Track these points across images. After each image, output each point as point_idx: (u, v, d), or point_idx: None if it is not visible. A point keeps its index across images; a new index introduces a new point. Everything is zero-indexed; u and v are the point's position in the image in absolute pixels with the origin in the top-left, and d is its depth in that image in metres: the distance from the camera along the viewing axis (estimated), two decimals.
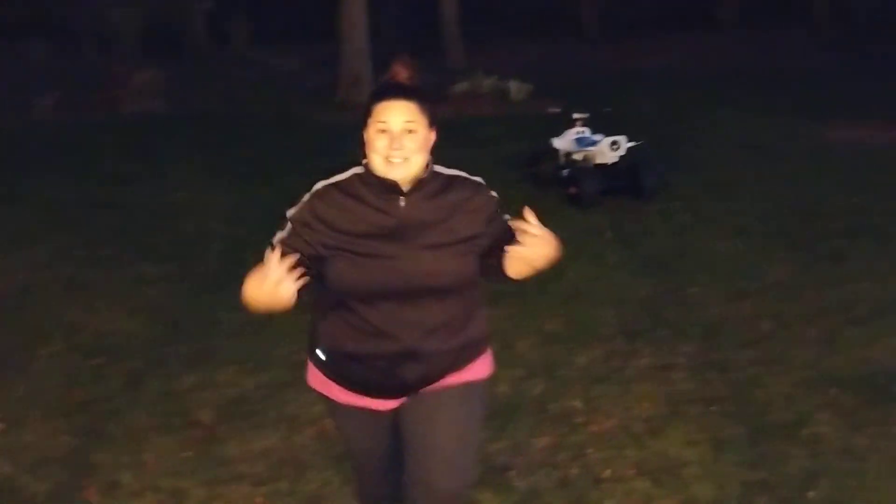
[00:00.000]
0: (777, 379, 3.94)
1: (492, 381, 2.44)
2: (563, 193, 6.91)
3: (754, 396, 3.79)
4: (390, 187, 2.16)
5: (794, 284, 5.12)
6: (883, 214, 6.35)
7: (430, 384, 2.28)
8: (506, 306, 4.86)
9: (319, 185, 2.24)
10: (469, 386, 2.32)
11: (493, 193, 2.29)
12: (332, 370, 2.32)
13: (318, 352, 2.35)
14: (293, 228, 2.22)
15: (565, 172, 7.13)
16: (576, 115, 7.35)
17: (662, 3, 21.52)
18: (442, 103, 11.87)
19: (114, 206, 7.21)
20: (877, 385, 3.84)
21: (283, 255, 2.08)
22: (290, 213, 2.25)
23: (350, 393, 2.31)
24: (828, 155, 8.37)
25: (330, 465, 3.35)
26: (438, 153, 7.90)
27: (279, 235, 2.25)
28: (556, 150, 7.36)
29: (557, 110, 8.05)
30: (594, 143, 7.10)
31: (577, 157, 7.18)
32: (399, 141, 2.12)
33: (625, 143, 7.00)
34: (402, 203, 2.17)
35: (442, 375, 2.28)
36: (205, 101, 12.58)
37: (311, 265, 2.17)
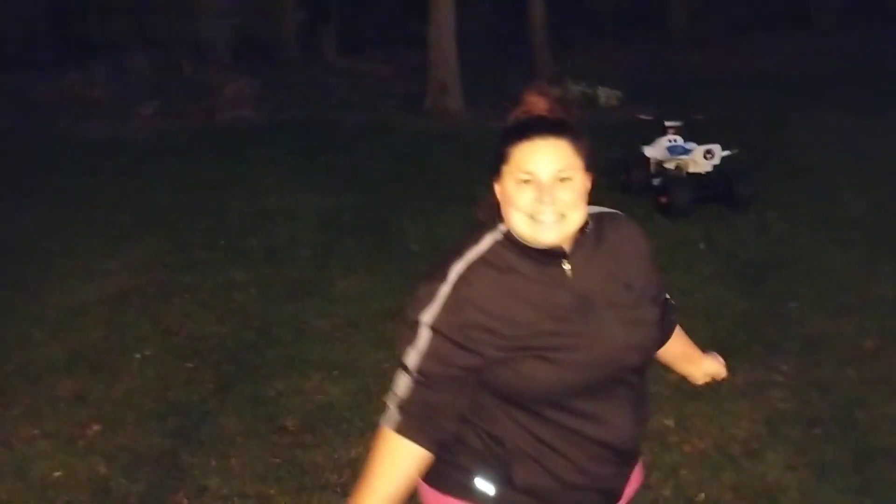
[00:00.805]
0: (882, 400, 3.74)
1: None
2: (655, 202, 6.75)
3: (858, 418, 3.60)
4: (551, 253, 1.64)
5: None
6: None
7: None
8: None
9: (458, 265, 1.64)
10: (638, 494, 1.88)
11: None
12: None
13: (479, 482, 1.71)
14: (440, 337, 1.60)
15: (657, 181, 6.97)
16: (668, 123, 7.17)
17: (754, 3, 20.89)
18: None
19: (207, 212, 7.39)
20: None
21: (434, 383, 1.60)
22: (427, 316, 1.61)
23: None
24: None
25: None
26: None
27: (415, 357, 1.62)
28: (647, 159, 7.20)
29: (649, 118, 7.87)
30: (687, 151, 6.92)
31: (669, 165, 7.01)
32: (550, 193, 1.59)
33: (719, 152, 6.80)
34: (568, 269, 1.65)
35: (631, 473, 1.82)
36: (295, 108, 12.81)
37: (469, 381, 1.63)
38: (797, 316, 4.69)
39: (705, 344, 4.35)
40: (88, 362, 4.51)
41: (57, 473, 3.45)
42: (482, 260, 1.64)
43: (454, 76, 12.32)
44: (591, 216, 1.71)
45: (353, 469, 3.40)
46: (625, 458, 1.73)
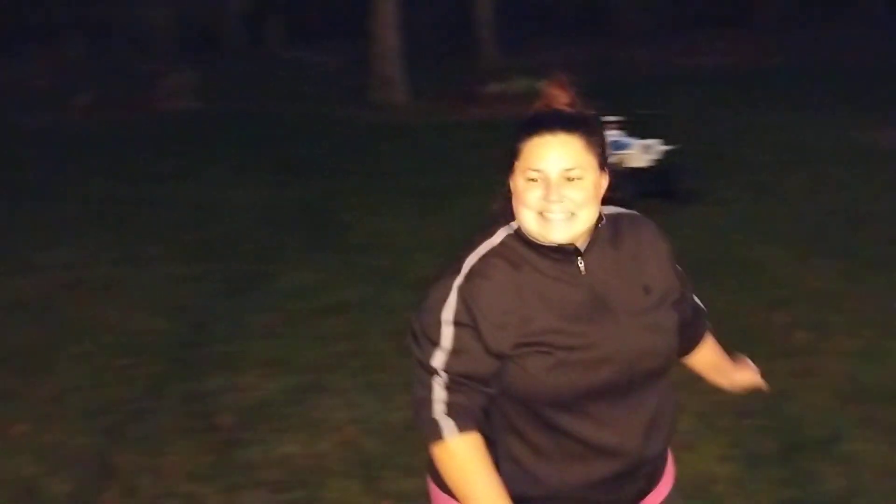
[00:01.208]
0: (812, 392, 3.82)
1: None
2: None
3: (789, 410, 3.67)
4: (564, 250, 1.60)
5: (834, 293, 4.97)
6: None
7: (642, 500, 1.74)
8: None
9: (471, 258, 1.60)
10: (678, 485, 1.84)
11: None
12: None
13: None
14: (464, 329, 1.54)
15: None
16: (609, 119, 7.23)
17: (699, 1, 21.23)
18: (475, 103, 11.83)
19: (147, 205, 7.25)
20: None
21: (466, 378, 1.54)
22: (447, 313, 1.56)
23: None
24: (874, 158, 8.15)
25: (352, 473, 3.30)
26: (473, 151, 7.80)
27: (442, 357, 1.56)
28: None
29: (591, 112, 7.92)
30: (627, 146, 6.99)
31: (611, 160, 7.06)
32: (558, 192, 1.54)
33: (658, 147, 6.88)
34: (583, 267, 1.61)
35: (654, 485, 1.74)
36: (239, 100, 12.64)
37: (494, 373, 1.57)
38: (731, 309, 4.76)
39: None
40: (20, 359, 4.39)
41: None
42: (495, 252, 1.60)
43: (398, 68, 12.29)
44: (608, 216, 1.67)
45: (288, 466, 3.37)
46: (634, 469, 1.65)
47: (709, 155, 8.16)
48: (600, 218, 1.63)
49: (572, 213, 1.56)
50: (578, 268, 1.61)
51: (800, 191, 7.08)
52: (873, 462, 3.27)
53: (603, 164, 1.61)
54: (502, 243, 1.62)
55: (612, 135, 7.16)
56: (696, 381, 3.65)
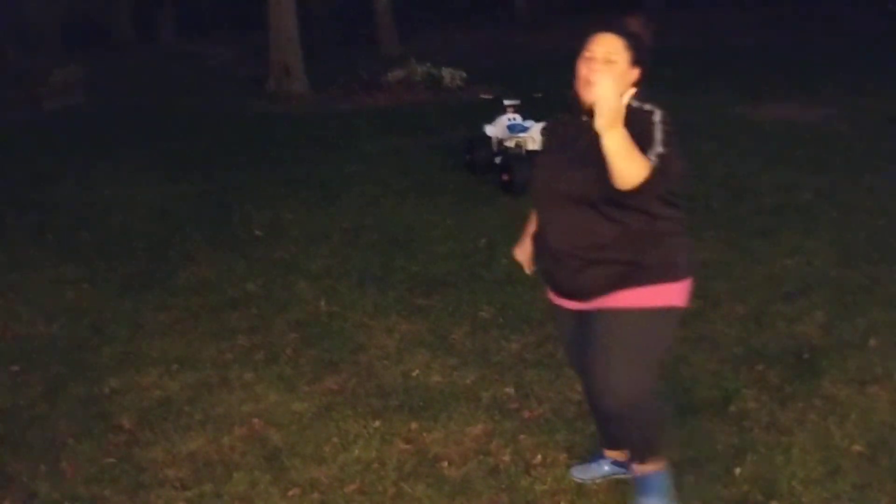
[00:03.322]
0: (705, 356, 3.98)
1: None
2: (498, 180, 6.89)
3: (682, 374, 3.82)
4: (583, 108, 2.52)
5: (722, 262, 5.17)
6: (810, 192, 6.47)
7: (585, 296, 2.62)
8: (438, 295, 4.83)
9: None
10: (617, 313, 2.55)
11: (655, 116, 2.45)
12: None
13: None
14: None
15: (498, 159, 7.11)
16: (507, 102, 7.32)
17: None
18: (376, 92, 11.79)
19: (34, 206, 6.97)
20: (802, 359, 3.91)
21: None
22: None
23: None
24: (756, 132, 8.51)
25: (259, 465, 3.27)
26: (375, 140, 7.75)
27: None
28: (489, 138, 7.33)
29: (490, 96, 8.01)
30: (525, 129, 7.09)
31: (510, 143, 7.16)
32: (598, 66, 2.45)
33: (537, 128, 6.99)
34: (586, 120, 2.46)
35: (586, 285, 2.58)
36: (131, 95, 12.26)
37: None
38: None
39: (544, 314, 4.50)
40: None
41: None
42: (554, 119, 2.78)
43: (296, 58, 12.13)
44: (630, 102, 2.41)
45: (193, 462, 3.32)
46: (560, 256, 2.59)
47: None
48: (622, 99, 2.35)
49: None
50: (584, 120, 2.50)
51: (687, 165, 7.32)
52: (762, 419, 3.44)
53: (635, 62, 2.51)
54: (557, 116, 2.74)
55: (512, 118, 7.27)
56: None
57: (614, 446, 3.00)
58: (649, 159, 2.34)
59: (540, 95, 7.77)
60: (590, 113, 2.39)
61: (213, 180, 7.61)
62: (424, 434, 3.44)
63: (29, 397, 3.90)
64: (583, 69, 2.50)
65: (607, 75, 2.34)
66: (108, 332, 4.56)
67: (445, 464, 3.23)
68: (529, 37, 18.13)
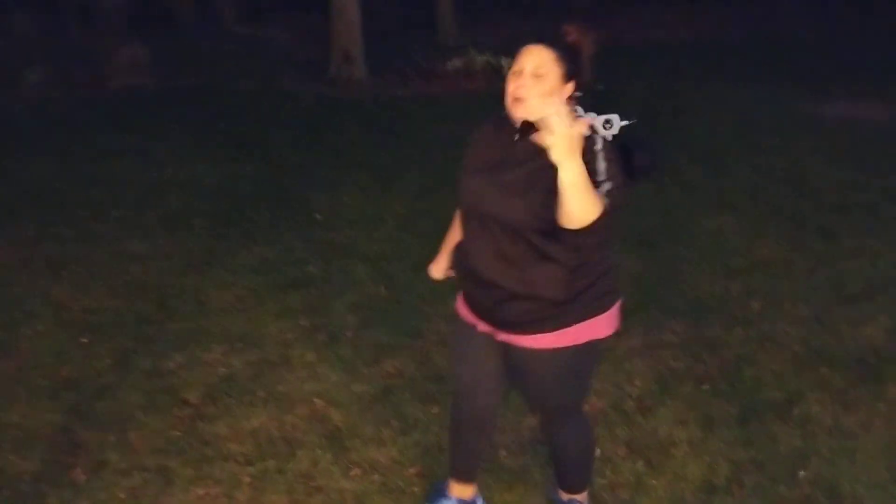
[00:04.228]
0: (768, 358, 3.94)
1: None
2: None
3: (745, 375, 3.79)
4: (511, 123, 2.36)
5: (785, 262, 5.10)
6: (875, 192, 6.34)
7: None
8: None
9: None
10: (541, 353, 2.44)
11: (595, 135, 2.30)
12: None
13: None
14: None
15: None
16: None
17: None
18: (434, 79, 11.79)
19: (100, 183, 7.12)
20: (867, 364, 3.85)
21: None
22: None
23: None
24: (821, 129, 8.33)
25: (320, 444, 3.33)
26: (432, 127, 7.78)
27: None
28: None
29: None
30: None
31: None
32: (525, 83, 2.27)
33: (617, 122, 6.91)
34: (516, 138, 2.34)
35: (508, 316, 2.42)
36: (192, 76, 12.42)
37: None
38: (689, 278, 4.88)
39: None
40: None
41: None
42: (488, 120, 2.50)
43: (358, 44, 12.16)
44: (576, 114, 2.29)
45: (256, 438, 3.38)
46: (482, 282, 2.42)
47: (663, 128, 8.27)
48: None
49: (526, 98, 2.27)
50: (513, 137, 2.34)
51: (749, 162, 7.21)
52: (826, 423, 3.40)
53: (568, 76, 2.32)
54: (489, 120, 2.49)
55: (572, 109, 7.21)
56: (657, 349, 3.74)
57: (468, 478, 2.90)
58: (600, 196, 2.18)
59: (602, 87, 7.70)
60: (520, 132, 2.31)
61: (272, 162, 7.70)
62: None
63: (97, 369, 4.00)
64: (510, 84, 2.31)
65: (555, 101, 2.15)
66: (173, 307, 4.66)
67: (503, 452, 3.26)
68: (585, 27, 17.94)
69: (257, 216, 6.17)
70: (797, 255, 5.21)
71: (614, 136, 8.11)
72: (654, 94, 10.20)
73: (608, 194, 2.19)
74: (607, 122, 7.90)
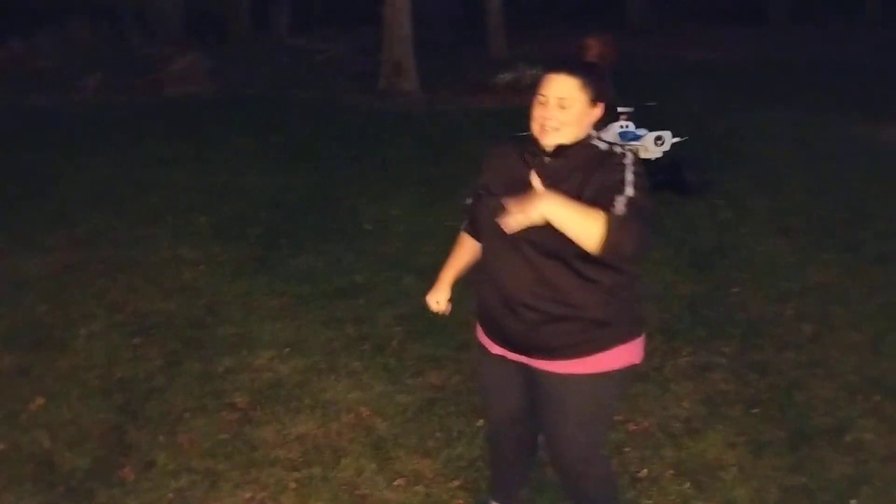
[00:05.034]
0: (819, 383, 3.86)
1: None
2: None
3: (795, 400, 3.72)
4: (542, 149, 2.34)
5: (839, 287, 5.01)
6: None
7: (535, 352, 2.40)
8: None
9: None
10: (578, 378, 2.38)
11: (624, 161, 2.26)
12: None
13: None
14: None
15: None
16: (620, 109, 7.24)
17: None
18: (483, 94, 11.83)
19: (154, 188, 7.27)
20: None
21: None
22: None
23: None
24: (879, 155, 8.18)
25: (366, 453, 3.35)
26: (480, 142, 7.80)
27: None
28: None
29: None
30: (638, 137, 7.00)
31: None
32: (552, 111, 2.27)
33: (669, 139, 6.90)
34: (548, 160, 2.33)
35: (543, 342, 2.36)
36: (247, 85, 12.64)
37: None
38: (740, 300, 4.81)
39: (652, 326, 4.47)
40: (31, 337, 4.43)
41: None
42: (509, 138, 2.48)
43: (409, 57, 12.26)
44: (594, 144, 2.31)
45: (303, 445, 3.41)
46: (515, 306, 2.35)
47: (716, 148, 8.19)
48: (588, 137, 2.32)
49: (556, 129, 2.28)
50: (543, 162, 2.32)
51: (804, 185, 7.10)
52: (879, 452, 3.32)
53: (595, 100, 2.29)
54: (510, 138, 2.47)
55: (624, 125, 7.18)
56: (705, 371, 3.70)
57: (508, 500, 2.88)
58: (612, 208, 2.12)
59: (653, 104, 7.66)
60: (552, 155, 2.31)
61: (323, 173, 7.79)
62: None
63: (148, 370, 4.08)
64: (536, 111, 2.31)
65: (548, 203, 2.09)
66: (223, 313, 4.73)
67: (549, 469, 3.23)
68: (641, 43, 17.88)
69: (307, 226, 6.24)
70: (851, 281, 5.10)
71: (665, 153, 8.00)
72: (708, 112, 10.10)
73: (629, 200, 2.15)
74: (658, 138, 7.91)
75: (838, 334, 4.38)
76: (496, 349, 2.49)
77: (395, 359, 4.17)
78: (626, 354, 2.40)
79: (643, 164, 2.29)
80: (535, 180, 2.20)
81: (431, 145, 8.98)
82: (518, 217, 2.10)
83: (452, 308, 4.65)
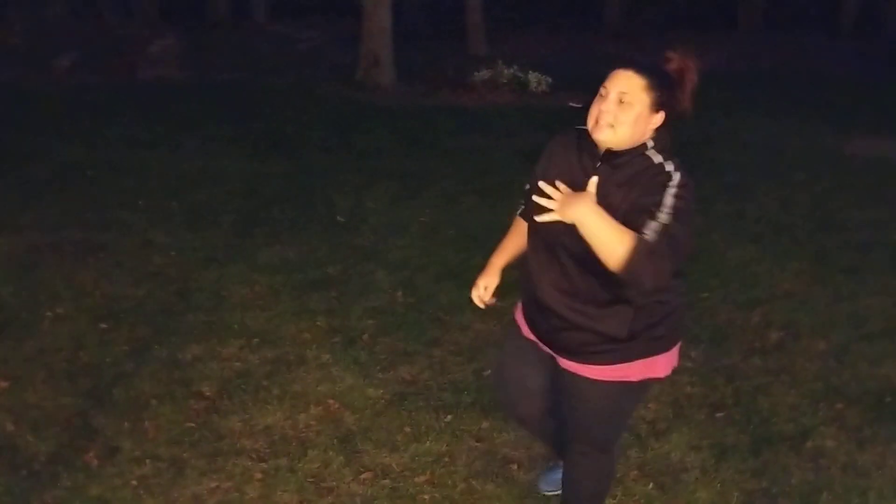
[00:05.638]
0: (784, 389, 3.92)
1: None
2: None
3: (760, 406, 3.77)
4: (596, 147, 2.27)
5: (806, 295, 5.08)
6: None
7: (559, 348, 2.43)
8: (514, 298, 4.84)
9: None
10: (594, 382, 2.39)
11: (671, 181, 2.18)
12: None
13: None
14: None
15: None
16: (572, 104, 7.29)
17: (685, 2, 21.33)
18: (461, 90, 11.83)
19: (126, 171, 7.19)
20: (884, 402, 3.83)
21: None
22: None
23: None
24: (847, 166, 8.30)
25: (332, 446, 3.35)
26: (457, 137, 7.77)
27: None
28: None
29: (579, 105, 8.00)
30: None
31: None
32: (610, 107, 2.20)
33: None
34: (598, 165, 2.26)
35: (565, 343, 2.39)
36: (223, 71, 12.53)
37: None
38: (708, 306, 4.87)
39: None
40: None
41: None
42: (564, 132, 2.42)
43: (387, 49, 12.23)
44: (649, 155, 2.23)
45: (269, 436, 3.40)
46: (544, 308, 2.38)
47: (687, 154, 8.24)
48: (643, 146, 2.24)
49: (610, 125, 2.19)
50: (591, 163, 2.26)
51: (774, 194, 7.19)
52: (840, 459, 3.38)
53: (658, 106, 2.22)
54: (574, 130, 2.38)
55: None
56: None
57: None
58: (643, 232, 2.09)
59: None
60: (602, 159, 2.25)
61: (299, 162, 7.75)
62: (495, 434, 3.47)
63: (115, 355, 4.04)
64: (595, 106, 2.23)
65: (584, 206, 2.10)
66: (193, 300, 4.69)
67: (515, 466, 3.26)
68: (617, 47, 17.97)
69: (281, 215, 6.21)
70: (819, 289, 5.18)
71: None
72: (684, 121, 10.17)
73: (662, 229, 2.10)
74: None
75: (804, 342, 4.45)
76: (529, 335, 2.53)
77: (366, 352, 4.17)
78: (645, 368, 2.39)
79: (693, 189, 2.19)
80: (593, 185, 2.16)
81: (408, 139, 8.97)
82: (554, 209, 2.11)
83: (422, 305, 4.70)
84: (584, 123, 2.29)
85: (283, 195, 6.69)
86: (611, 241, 2.08)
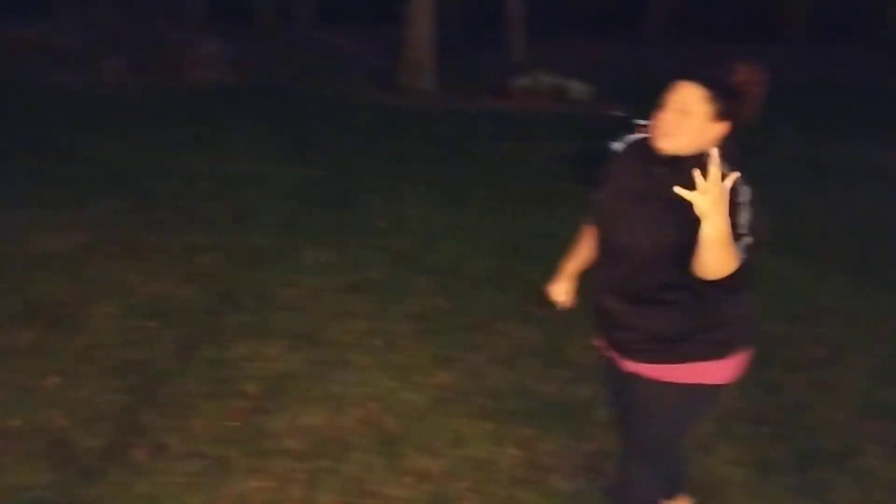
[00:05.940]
0: (828, 406, 3.88)
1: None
2: None
3: (804, 421, 3.74)
4: (658, 153, 2.29)
5: (850, 310, 5.02)
6: None
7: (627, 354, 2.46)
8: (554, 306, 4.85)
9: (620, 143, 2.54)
10: (650, 383, 2.41)
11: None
12: None
13: None
14: None
15: None
16: (639, 122, 7.26)
17: (731, 11, 21.17)
18: (501, 97, 11.87)
19: (172, 173, 7.31)
20: None
21: None
22: None
23: None
24: (891, 178, 8.19)
25: (374, 449, 3.37)
26: (497, 144, 7.79)
27: None
28: (614, 153, 7.29)
29: (620, 114, 7.98)
30: None
31: None
32: (671, 115, 2.24)
33: None
34: (660, 171, 2.29)
35: (625, 343, 2.43)
36: (268, 75, 12.70)
37: None
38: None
39: None
40: (47, 314, 4.47)
41: (14, 422, 3.43)
42: (628, 141, 2.48)
43: (429, 56, 12.31)
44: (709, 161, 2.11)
45: (312, 436, 3.44)
46: (604, 307, 2.43)
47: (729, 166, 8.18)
48: (702, 155, 2.19)
49: (672, 134, 2.24)
50: (654, 169, 2.29)
51: (817, 207, 7.12)
52: (886, 478, 3.33)
53: (718, 116, 2.25)
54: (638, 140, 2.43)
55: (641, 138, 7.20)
56: None
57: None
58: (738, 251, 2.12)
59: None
60: (664, 166, 2.27)
61: (341, 167, 7.83)
62: (536, 443, 3.47)
63: (162, 353, 4.11)
64: (657, 116, 2.28)
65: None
66: (237, 301, 4.76)
67: (557, 476, 3.26)
68: (659, 57, 17.88)
69: (323, 218, 6.28)
70: (861, 304, 5.12)
71: None
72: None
73: (747, 249, 2.13)
74: None
75: (847, 358, 4.39)
76: (602, 349, 2.60)
77: (406, 356, 4.20)
78: (694, 373, 2.37)
79: (752, 193, 2.22)
80: (730, 181, 2.10)
81: (448, 145, 9.02)
82: (702, 204, 2.03)
83: (462, 312, 4.72)
84: (629, 132, 2.37)
85: (324, 199, 6.76)
86: (728, 255, 2.09)
